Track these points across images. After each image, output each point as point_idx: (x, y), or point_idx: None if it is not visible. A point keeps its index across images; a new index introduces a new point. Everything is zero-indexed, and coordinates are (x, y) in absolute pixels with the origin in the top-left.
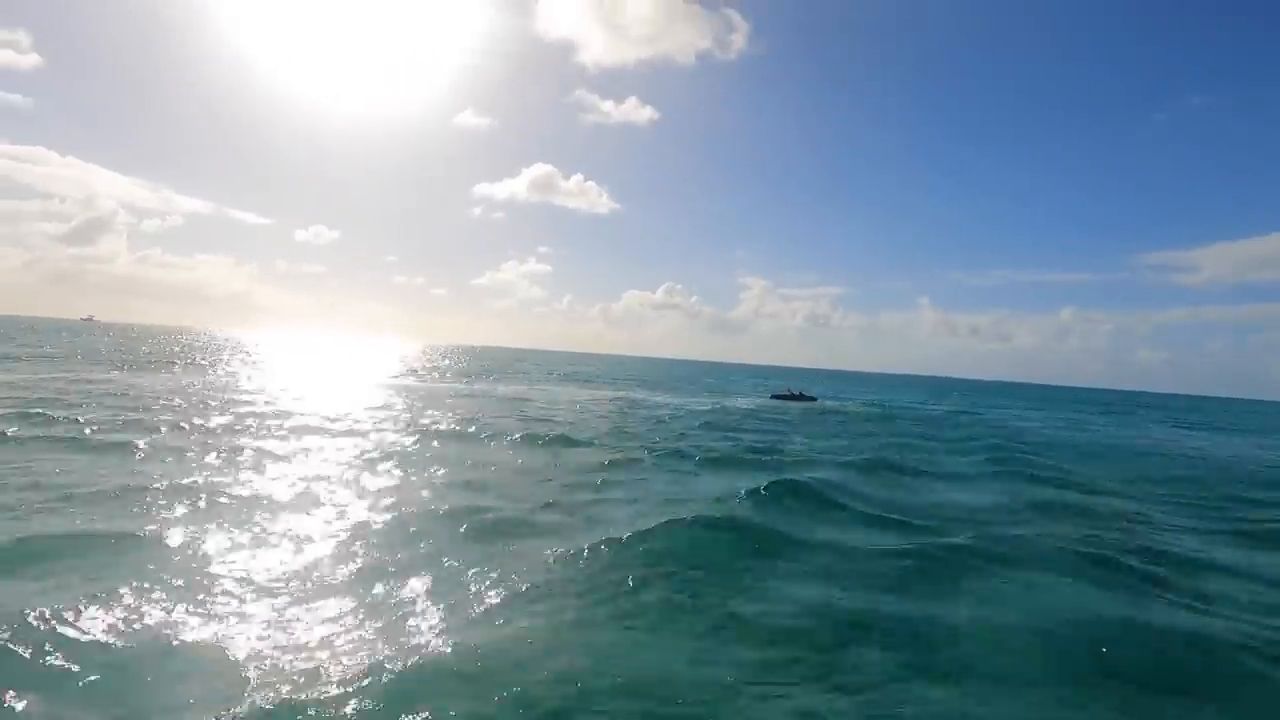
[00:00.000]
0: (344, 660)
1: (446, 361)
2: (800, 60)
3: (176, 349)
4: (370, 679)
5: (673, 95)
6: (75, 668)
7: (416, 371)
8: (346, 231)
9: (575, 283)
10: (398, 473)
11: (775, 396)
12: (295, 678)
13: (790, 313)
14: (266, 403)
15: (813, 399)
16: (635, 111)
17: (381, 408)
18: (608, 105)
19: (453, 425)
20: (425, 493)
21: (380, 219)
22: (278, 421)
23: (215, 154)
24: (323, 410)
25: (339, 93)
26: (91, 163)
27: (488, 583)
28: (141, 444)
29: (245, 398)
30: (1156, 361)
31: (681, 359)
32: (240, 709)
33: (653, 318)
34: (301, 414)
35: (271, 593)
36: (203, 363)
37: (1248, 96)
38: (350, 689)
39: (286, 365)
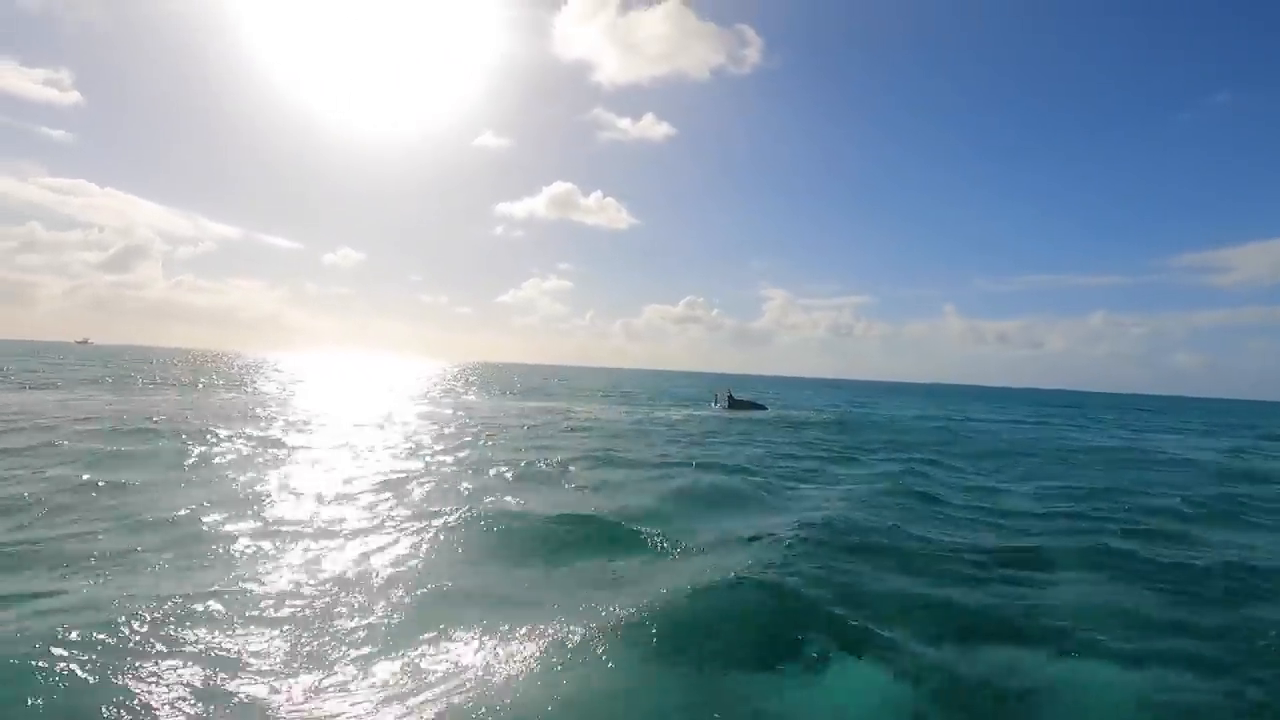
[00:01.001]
0: None
1: (435, 379)
2: (814, 72)
3: (155, 370)
4: None
5: (688, 110)
6: None
7: (391, 389)
8: (373, 253)
9: (596, 298)
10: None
11: (733, 405)
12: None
13: (812, 323)
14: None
15: (762, 408)
16: (651, 128)
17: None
18: (624, 122)
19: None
20: None
21: (405, 240)
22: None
23: (245, 181)
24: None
25: (364, 119)
26: (129, 193)
27: None
28: None
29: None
30: (1195, 365)
31: (702, 372)
32: None
33: (674, 331)
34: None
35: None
36: (174, 382)
37: (1275, 93)
38: None
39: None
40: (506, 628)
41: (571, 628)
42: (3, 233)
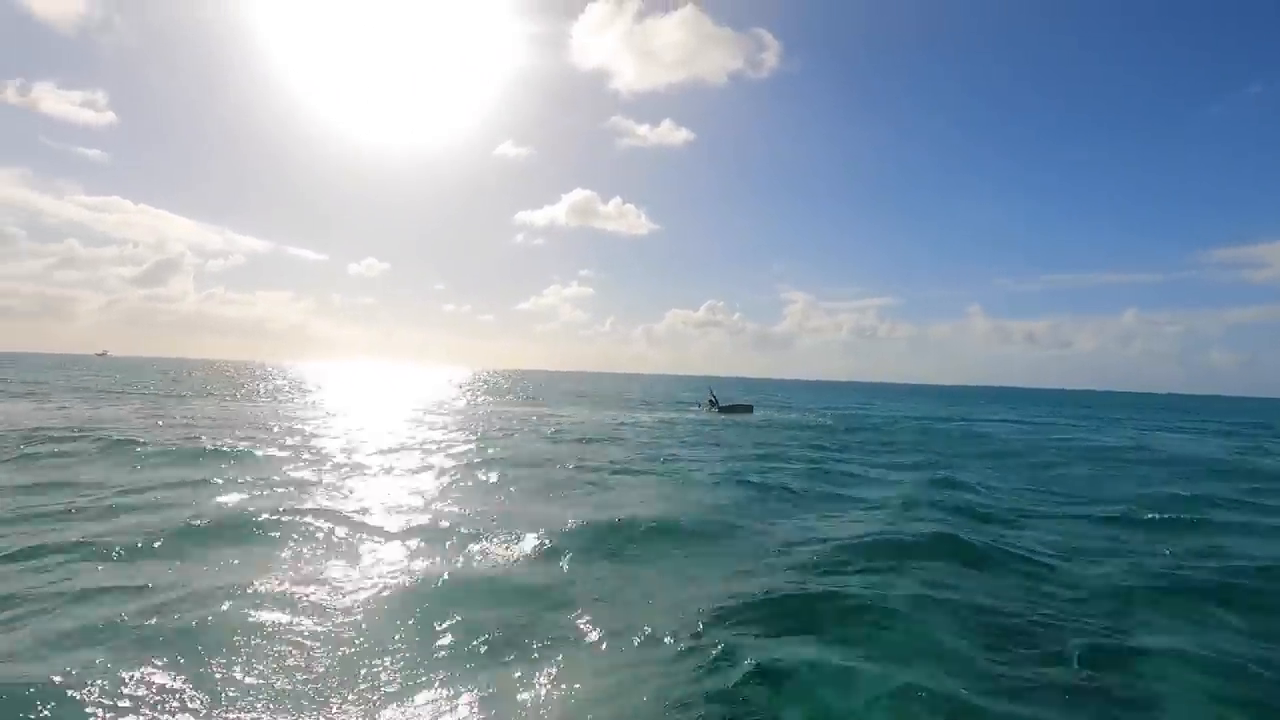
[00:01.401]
0: None
1: (444, 385)
2: (833, 75)
3: (160, 381)
4: None
5: (706, 116)
6: None
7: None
8: (396, 263)
9: (617, 304)
10: None
11: (721, 409)
12: None
13: (835, 326)
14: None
15: (748, 409)
16: (670, 134)
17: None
18: (643, 129)
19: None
20: None
21: (428, 250)
22: None
23: (273, 195)
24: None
25: (388, 132)
26: (161, 208)
27: None
28: None
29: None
30: (1230, 363)
31: (723, 376)
32: None
33: (695, 336)
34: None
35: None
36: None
37: None
38: None
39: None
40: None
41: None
42: (43, 250)
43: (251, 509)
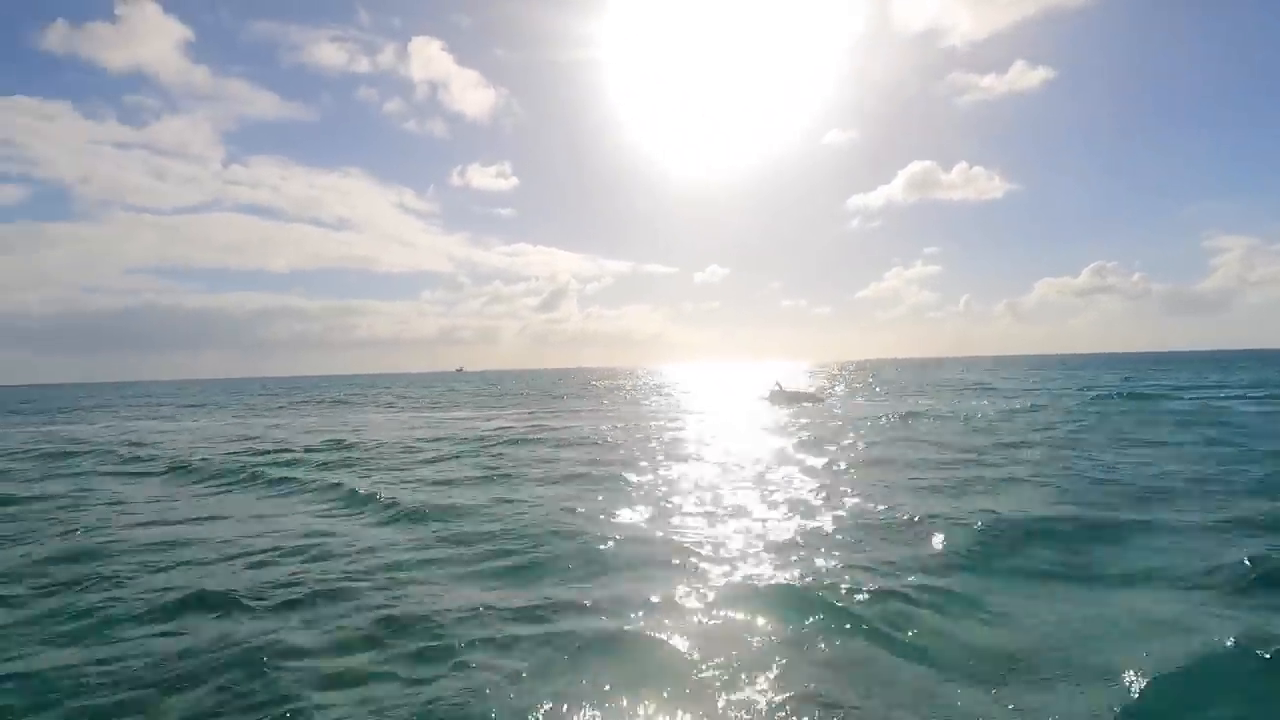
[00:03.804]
0: None
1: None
2: None
3: (523, 391)
4: None
5: (1068, 46)
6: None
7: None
8: (736, 267)
9: (972, 280)
10: None
11: (789, 399)
12: None
13: None
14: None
15: (818, 399)
16: (1022, 77)
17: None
18: (987, 80)
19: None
20: None
21: (763, 250)
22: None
23: (630, 221)
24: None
25: (719, 147)
26: (553, 247)
27: None
28: None
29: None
30: None
31: (1121, 353)
32: None
33: (1078, 306)
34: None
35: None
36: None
37: None
38: None
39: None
40: None
41: None
42: (479, 291)
43: None
